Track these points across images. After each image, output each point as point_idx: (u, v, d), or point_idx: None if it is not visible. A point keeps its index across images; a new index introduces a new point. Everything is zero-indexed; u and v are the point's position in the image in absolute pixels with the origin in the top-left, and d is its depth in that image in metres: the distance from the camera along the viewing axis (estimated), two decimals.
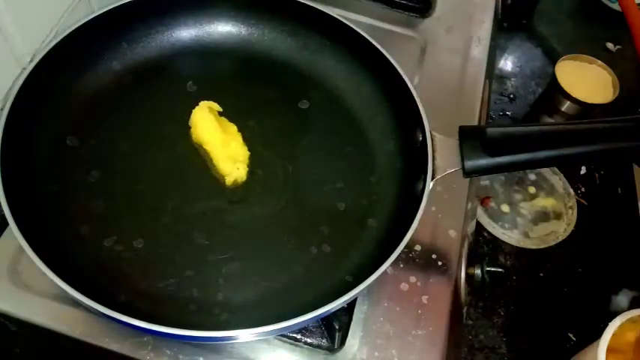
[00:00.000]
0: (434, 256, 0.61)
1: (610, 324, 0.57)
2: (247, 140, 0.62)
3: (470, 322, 0.72)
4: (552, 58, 0.97)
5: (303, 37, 0.68)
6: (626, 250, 0.80)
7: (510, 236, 0.79)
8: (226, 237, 0.56)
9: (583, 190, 0.86)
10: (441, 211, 0.64)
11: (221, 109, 0.63)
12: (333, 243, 0.57)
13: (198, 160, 0.60)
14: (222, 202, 0.58)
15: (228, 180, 0.59)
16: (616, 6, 1.01)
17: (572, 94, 0.86)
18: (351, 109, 0.66)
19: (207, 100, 0.63)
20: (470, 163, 0.54)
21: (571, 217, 0.82)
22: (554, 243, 0.79)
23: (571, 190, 0.84)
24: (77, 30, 0.59)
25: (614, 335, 0.56)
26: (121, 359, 0.53)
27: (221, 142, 0.60)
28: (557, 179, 0.85)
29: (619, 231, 0.82)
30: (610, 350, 0.56)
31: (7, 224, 0.47)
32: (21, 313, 0.54)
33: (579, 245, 0.80)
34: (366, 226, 0.58)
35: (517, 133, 0.55)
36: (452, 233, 0.63)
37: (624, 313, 0.58)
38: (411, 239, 0.50)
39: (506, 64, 1.00)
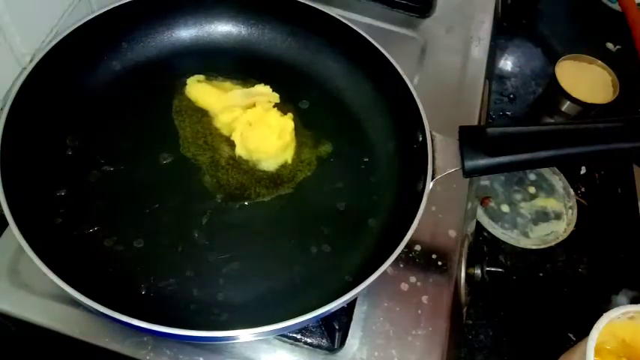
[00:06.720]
0: (434, 256, 0.61)
1: (598, 321, 0.57)
2: None
3: (470, 322, 0.72)
4: (552, 58, 0.97)
5: (303, 37, 0.68)
6: (626, 250, 0.80)
7: (510, 236, 0.79)
8: (226, 237, 0.56)
9: (583, 190, 0.86)
10: (441, 211, 0.64)
11: (205, 78, 0.65)
12: (333, 243, 0.57)
13: (199, 159, 0.60)
14: (223, 202, 0.58)
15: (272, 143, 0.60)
16: (616, 6, 1.01)
17: (572, 94, 0.86)
18: (351, 109, 0.66)
19: None
20: (470, 163, 0.54)
21: (571, 217, 0.82)
22: (554, 243, 0.79)
23: (571, 190, 0.84)
24: (77, 30, 0.59)
25: (602, 333, 0.56)
26: (121, 359, 0.53)
27: (225, 101, 0.63)
28: (557, 179, 0.85)
29: (619, 231, 0.82)
30: (598, 348, 0.56)
31: (7, 224, 0.47)
32: (21, 313, 0.54)
33: (579, 245, 0.80)
34: (366, 226, 0.58)
35: (517, 133, 0.55)
36: (452, 233, 0.63)
37: (612, 310, 0.57)
38: (411, 239, 0.50)
39: (506, 64, 1.00)
